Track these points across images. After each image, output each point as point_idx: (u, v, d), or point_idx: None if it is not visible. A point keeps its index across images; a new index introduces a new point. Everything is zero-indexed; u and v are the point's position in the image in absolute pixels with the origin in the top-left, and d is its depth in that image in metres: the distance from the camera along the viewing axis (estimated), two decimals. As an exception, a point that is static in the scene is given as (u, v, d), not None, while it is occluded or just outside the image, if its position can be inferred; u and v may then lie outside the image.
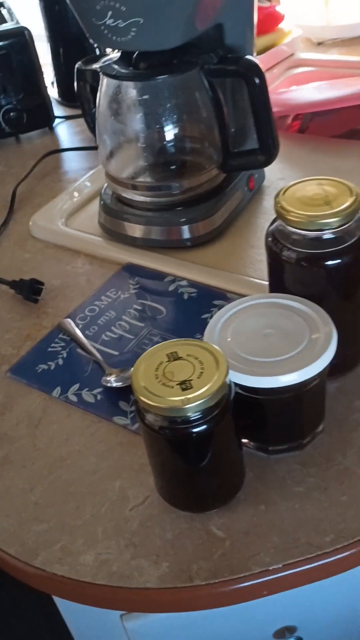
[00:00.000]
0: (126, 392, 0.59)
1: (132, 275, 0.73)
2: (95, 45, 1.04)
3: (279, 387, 0.47)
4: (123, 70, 0.69)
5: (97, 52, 1.05)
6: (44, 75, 1.05)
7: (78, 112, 0.92)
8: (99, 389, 0.60)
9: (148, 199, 0.75)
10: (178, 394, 0.43)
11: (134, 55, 0.69)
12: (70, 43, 1.10)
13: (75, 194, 0.88)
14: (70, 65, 0.86)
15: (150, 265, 0.74)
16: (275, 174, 0.86)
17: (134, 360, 0.47)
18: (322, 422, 0.53)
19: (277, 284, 0.55)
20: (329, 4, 1.26)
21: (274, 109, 0.70)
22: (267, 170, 0.84)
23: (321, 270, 0.51)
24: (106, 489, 0.52)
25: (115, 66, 0.70)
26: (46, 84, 1.06)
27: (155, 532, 0.49)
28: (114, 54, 0.73)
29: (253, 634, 0.65)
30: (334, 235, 0.50)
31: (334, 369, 0.51)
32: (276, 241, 0.52)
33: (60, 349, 0.65)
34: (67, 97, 1.15)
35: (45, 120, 1.07)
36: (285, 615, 0.63)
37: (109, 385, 0.60)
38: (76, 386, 0.61)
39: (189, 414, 0.43)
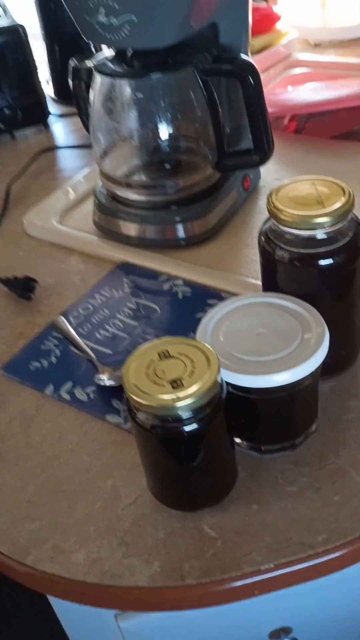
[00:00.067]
0: (119, 390, 0.59)
1: (126, 274, 0.73)
2: (92, 44, 1.04)
3: (272, 387, 0.47)
4: (117, 69, 0.69)
5: (93, 50, 1.05)
6: (39, 73, 1.05)
7: (73, 110, 0.92)
8: (92, 388, 0.60)
9: (143, 198, 0.74)
10: (169, 393, 0.43)
11: (129, 54, 0.69)
12: (65, 41, 1.10)
13: (70, 192, 0.87)
14: (66, 63, 0.86)
15: (144, 264, 0.73)
16: (271, 174, 0.86)
17: (127, 359, 0.47)
18: (315, 422, 0.53)
19: (270, 284, 0.55)
20: (325, 6, 1.26)
21: (271, 110, 0.70)
22: (263, 170, 0.84)
23: (314, 269, 0.51)
24: (98, 487, 0.52)
25: (110, 64, 0.69)
26: (41, 82, 1.05)
27: (147, 531, 0.49)
28: (109, 52, 0.72)
29: (248, 635, 0.65)
30: (326, 235, 0.50)
31: (327, 369, 0.51)
32: (269, 241, 0.52)
33: (53, 347, 0.65)
34: (63, 95, 1.15)
35: (40, 117, 1.07)
36: (280, 616, 0.63)
37: (101, 383, 0.60)
38: (69, 384, 0.61)
39: (179, 413, 0.43)
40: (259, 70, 0.68)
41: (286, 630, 0.63)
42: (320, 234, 0.50)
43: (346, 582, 0.60)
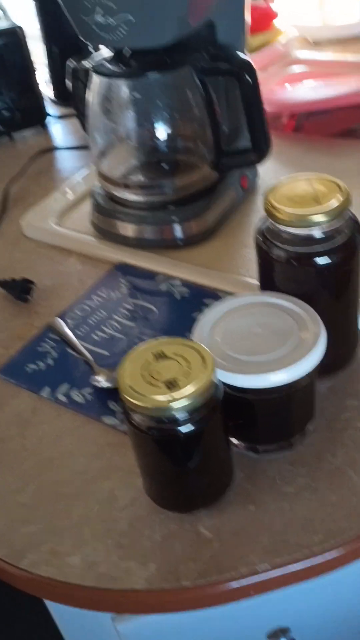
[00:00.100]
0: (116, 392, 0.57)
1: (124, 274, 0.73)
2: (90, 45, 1.04)
3: (268, 387, 0.47)
4: (114, 69, 0.68)
5: (92, 51, 1.05)
6: (38, 75, 1.05)
7: (72, 111, 0.92)
8: (89, 389, 0.60)
9: (140, 198, 0.74)
10: (164, 394, 0.42)
11: (126, 54, 0.69)
12: (64, 42, 1.10)
13: (69, 193, 0.87)
14: (65, 65, 0.86)
15: (142, 265, 0.73)
16: (269, 174, 0.85)
17: (124, 360, 0.47)
18: (313, 422, 0.53)
19: (267, 283, 0.54)
20: (324, 4, 1.25)
21: (269, 108, 0.70)
22: (261, 169, 0.84)
23: (311, 268, 0.50)
24: (95, 490, 0.52)
25: (107, 64, 0.69)
26: (40, 83, 1.05)
27: (143, 533, 0.48)
28: (106, 52, 0.72)
29: (246, 636, 0.64)
30: (323, 234, 0.49)
31: (325, 368, 0.51)
32: (266, 240, 0.52)
33: (50, 349, 0.65)
34: (62, 96, 1.15)
35: (38, 119, 1.07)
36: (278, 617, 0.63)
37: (98, 385, 0.59)
38: (66, 386, 0.60)
39: (174, 414, 0.42)
40: (258, 69, 0.67)
41: (284, 631, 0.62)
42: (317, 233, 0.50)
43: (344, 582, 0.60)
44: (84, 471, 0.53)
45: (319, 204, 0.50)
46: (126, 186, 0.75)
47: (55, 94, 1.17)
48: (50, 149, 1.01)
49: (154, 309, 0.68)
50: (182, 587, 0.45)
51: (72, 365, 0.63)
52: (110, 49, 0.70)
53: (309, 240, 0.50)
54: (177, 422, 0.43)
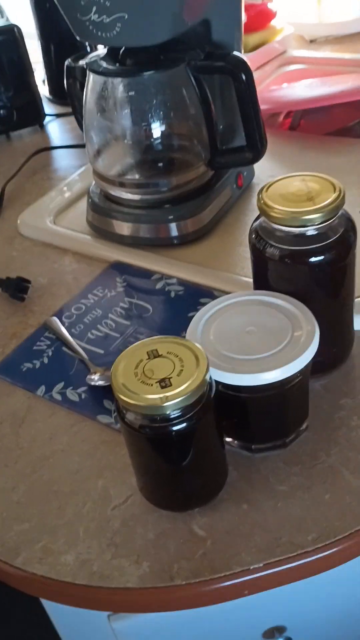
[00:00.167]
0: (110, 390, 0.58)
1: (119, 273, 0.73)
2: (87, 43, 1.04)
3: (262, 385, 0.46)
4: (109, 67, 0.68)
5: (89, 49, 1.05)
6: (35, 73, 1.05)
7: (69, 109, 0.92)
8: (84, 388, 0.60)
9: (136, 197, 0.74)
10: (157, 392, 0.42)
11: (121, 52, 0.69)
12: (61, 41, 1.10)
13: (65, 191, 0.87)
14: (61, 63, 0.86)
15: (137, 264, 0.73)
16: (265, 172, 0.85)
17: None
18: (306, 420, 0.53)
19: (261, 281, 0.54)
20: (321, 1, 1.25)
21: (266, 107, 0.70)
22: (257, 167, 0.84)
23: (304, 267, 0.50)
24: (89, 488, 0.52)
25: (102, 62, 0.69)
26: (37, 82, 1.05)
27: (137, 531, 0.48)
28: (102, 50, 0.72)
29: (243, 634, 0.64)
30: (317, 232, 0.49)
31: (319, 366, 0.51)
32: (259, 238, 0.52)
33: (45, 347, 0.65)
34: (58, 94, 1.15)
35: (35, 117, 1.07)
36: (274, 616, 0.63)
37: (93, 383, 0.59)
38: (61, 385, 0.60)
39: (168, 412, 0.42)
40: (254, 67, 0.67)
41: (280, 630, 0.62)
42: (310, 231, 0.50)
43: (340, 581, 0.60)
44: (77, 469, 0.53)
45: (313, 202, 0.50)
46: (122, 184, 0.75)
47: (52, 93, 1.17)
48: (46, 148, 1.00)
49: (149, 307, 0.67)
50: (175, 586, 0.45)
51: (68, 364, 0.62)
52: (105, 47, 0.70)
53: (303, 238, 0.50)
54: (169, 421, 0.43)
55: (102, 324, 0.66)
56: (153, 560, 0.46)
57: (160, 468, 0.48)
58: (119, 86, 0.71)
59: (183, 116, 0.73)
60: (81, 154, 0.98)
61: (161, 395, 0.42)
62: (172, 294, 0.68)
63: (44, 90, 1.17)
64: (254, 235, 0.53)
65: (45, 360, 0.63)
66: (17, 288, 0.71)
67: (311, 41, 1.23)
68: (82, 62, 0.78)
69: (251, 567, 0.45)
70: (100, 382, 0.59)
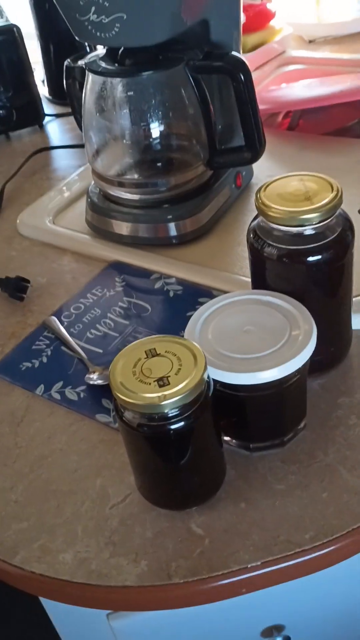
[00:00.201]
0: (109, 389, 0.58)
1: (118, 273, 0.73)
2: (86, 43, 1.04)
3: (259, 384, 0.47)
4: (108, 67, 0.69)
5: (88, 49, 1.05)
6: (35, 73, 1.05)
7: (69, 110, 0.92)
8: (83, 387, 0.60)
9: (135, 197, 0.74)
10: (155, 391, 0.42)
11: (120, 52, 0.69)
12: (60, 41, 1.10)
13: (64, 191, 0.87)
14: (61, 63, 0.86)
15: (136, 263, 0.73)
16: (264, 172, 0.85)
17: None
18: (304, 419, 0.53)
19: (259, 281, 0.54)
20: (320, 2, 1.25)
21: (265, 107, 0.70)
22: (256, 167, 0.84)
23: (302, 266, 0.51)
24: (87, 487, 0.52)
25: (101, 62, 0.69)
26: (36, 82, 1.05)
27: (135, 530, 0.49)
28: (101, 50, 0.72)
29: (241, 633, 0.64)
30: (314, 231, 0.50)
31: (317, 365, 0.51)
32: (257, 237, 0.52)
33: (44, 347, 0.65)
34: (58, 95, 1.15)
35: (35, 118, 1.07)
36: (272, 614, 0.63)
37: (92, 383, 0.59)
38: (60, 384, 0.61)
39: (165, 411, 0.42)
40: (253, 68, 0.67)
41: (279, 628, 0.62)
42: (308, 230, 0.50)
43: (337, 579, 0.60)
44: (76, 468, 0.53)
45: (311, 201, 0.50)
46: (121, 184, 0.75)
47: (51, 93, 1.17)
48: (45, 148, 1.01)
49: (148, 307, 0.68)
50: (173, 584, 0.45)
51: (67, 363, 0.63)
52: (104, 47, 0.70)
53: (301, 237, 0.50)
54: (167, 419, 0.43)
55: (101, 324, 0.66)
56: (151, 559, 0.46)
57: (158, 467, 0.48)
58: (117, 86, 0.71)
59: (182, 116, 0.73)
60: (80, 154, 0.98)
61: (159, 394, 0.42)
62: (171, 294, 0.69)
63: (43, 90, 1.17)
64: (252, 235, 0.53)
65: (44, 360, 0.63)
66: (16, 288, 0.71)
67: (310, 41, 1.23)
68: (81, 62, 0.78)
69: (249, 566, 0.45)
70: (99, 381, 0.59)
